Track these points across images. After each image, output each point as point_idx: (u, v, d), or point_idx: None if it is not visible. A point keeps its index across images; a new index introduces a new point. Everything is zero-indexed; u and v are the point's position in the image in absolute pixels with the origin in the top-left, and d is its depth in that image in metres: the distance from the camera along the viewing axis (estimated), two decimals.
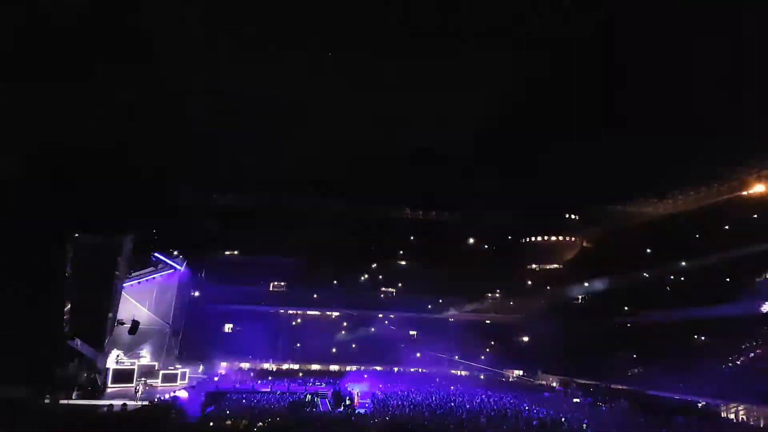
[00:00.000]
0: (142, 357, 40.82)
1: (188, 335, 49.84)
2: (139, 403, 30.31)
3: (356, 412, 32.08)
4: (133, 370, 38.63)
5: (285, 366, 58.35)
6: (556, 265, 74.36)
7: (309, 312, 68.04)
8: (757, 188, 52.04)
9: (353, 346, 62.45)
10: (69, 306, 33.33)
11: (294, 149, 49.77)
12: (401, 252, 75.19)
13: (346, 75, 46.39)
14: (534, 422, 29.20)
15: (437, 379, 54.07)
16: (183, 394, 35.55)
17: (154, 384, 39.10)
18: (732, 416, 31.84)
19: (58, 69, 33.05)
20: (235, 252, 67.31)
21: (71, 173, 34.02)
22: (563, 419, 30.16)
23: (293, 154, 50.45)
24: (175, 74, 38.63)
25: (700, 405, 33.52)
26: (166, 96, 39.36)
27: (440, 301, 69.09)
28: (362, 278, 72.95)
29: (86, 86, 34.19)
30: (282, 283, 70.20)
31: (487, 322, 68.55)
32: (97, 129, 35.71)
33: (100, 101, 35.48)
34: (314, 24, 42.12)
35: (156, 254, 43.55)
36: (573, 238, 74.97)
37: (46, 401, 28.98)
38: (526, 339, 66.63)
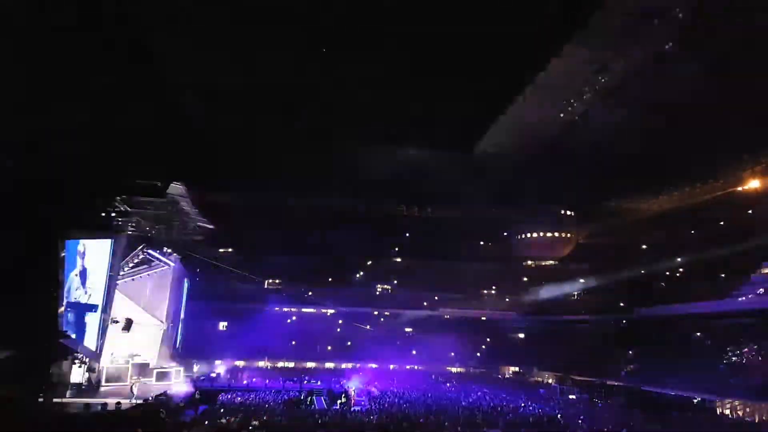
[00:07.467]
0: (136, 355, 40.55)
1: (183, 333, 49.71)
2: (134, 401, 30.12)
3: (352, 409, 31.99)
4: (127, 368, 38.44)
5: (280, 364, 58.23)
6: (551, 261, 74.43)
7: (304, 309, 67.87)
8: (753, 183, 52.14)
9: (348, 343, 62.33)
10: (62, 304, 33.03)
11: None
12: (396, 248, 75.03)
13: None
14: (530, 419, 29.18)
15: (433, 376, 54.08)
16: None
17: (148, 382, 38.90)
18: (728, 412, 31.90)
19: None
20: (230, 249, 66.94)
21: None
22: (559, 416, 30.16)
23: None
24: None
25: (695, 401, 33.59)
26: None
27: (435, 297, 69.04)
28: (357, 275, 72.85)
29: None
30: (277, 281, 70.05)
31: (483, 318, 68.54)
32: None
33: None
34: None
35: (149, 251, 43.14)
36: (568, 234, 74.99)
37: (40, 400, 28.71)
38: (521, 335, 66.71)
